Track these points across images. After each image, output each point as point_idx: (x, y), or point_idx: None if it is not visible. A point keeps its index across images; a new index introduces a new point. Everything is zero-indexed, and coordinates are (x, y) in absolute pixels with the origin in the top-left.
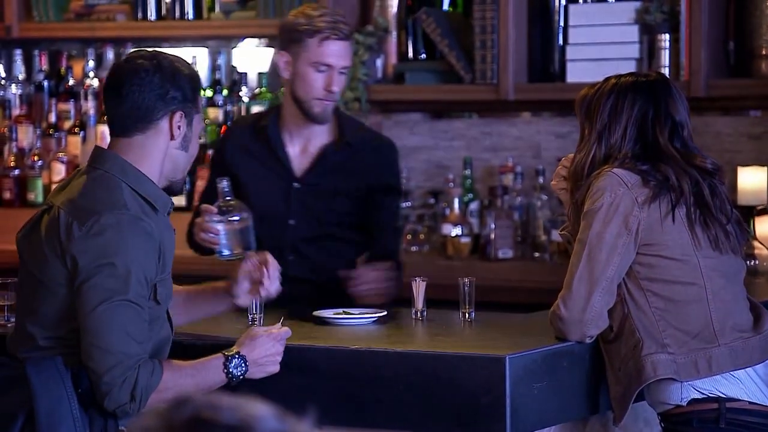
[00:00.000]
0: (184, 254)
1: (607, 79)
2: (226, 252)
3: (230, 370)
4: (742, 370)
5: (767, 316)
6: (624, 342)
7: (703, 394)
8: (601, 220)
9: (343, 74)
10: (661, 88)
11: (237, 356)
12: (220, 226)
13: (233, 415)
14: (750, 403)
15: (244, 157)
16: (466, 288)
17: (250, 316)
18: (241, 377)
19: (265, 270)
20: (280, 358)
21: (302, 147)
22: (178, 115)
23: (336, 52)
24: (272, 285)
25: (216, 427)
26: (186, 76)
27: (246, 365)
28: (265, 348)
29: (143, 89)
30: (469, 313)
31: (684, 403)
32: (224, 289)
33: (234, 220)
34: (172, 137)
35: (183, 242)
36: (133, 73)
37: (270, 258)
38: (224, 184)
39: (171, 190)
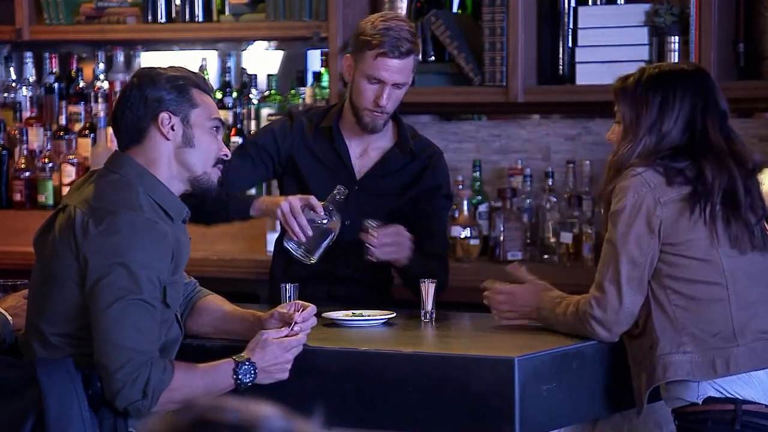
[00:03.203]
0: (193, 257)
1: (646, 69)
2: (305, 255)
3: (239, 376)
4: (763, 372)
5: None
6: (645, 338)
7: (720, 393)
8: (625, 221)
9: (398, 89)
10: (706, 79)
11: (247, 363)
12: (315, 230)
13: (237, 416)
14: (767, 406)
15: (305, 153)
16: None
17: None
18: (250, 384)
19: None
20: (289, 366)
21: (363, 149)
22: (164, 116)
23: (390, 69)
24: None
25: (220, 427)
26: (166, 77)
27: (255, 372)
28: (275, 356)
29: (128, 104)
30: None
31: (700, 401)
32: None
33: (326, 232)
34: (166, 138)
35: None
36: (121, 95)
37: (309, 309)
38: (340, 190)
39: (199, 187)
